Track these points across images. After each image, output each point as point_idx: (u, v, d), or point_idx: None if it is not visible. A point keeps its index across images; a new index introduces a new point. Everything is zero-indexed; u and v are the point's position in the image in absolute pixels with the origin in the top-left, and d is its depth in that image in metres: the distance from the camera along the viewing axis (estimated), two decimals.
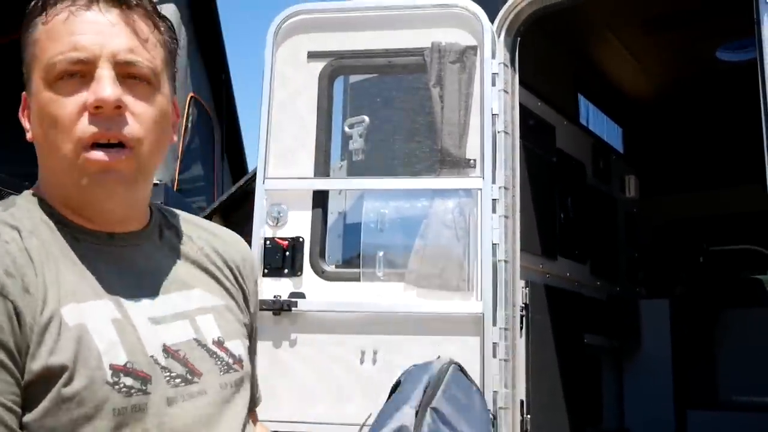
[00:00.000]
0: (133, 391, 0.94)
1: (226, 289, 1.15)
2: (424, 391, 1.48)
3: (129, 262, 1.04)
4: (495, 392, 2.85)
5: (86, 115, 0.96)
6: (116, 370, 0.94)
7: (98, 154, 0.96)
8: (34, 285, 0.93)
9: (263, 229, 3.08)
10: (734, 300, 5.01)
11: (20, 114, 1.05)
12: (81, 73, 0.98)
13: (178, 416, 0.98)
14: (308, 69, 3.20)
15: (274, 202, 3.11)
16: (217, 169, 6.98)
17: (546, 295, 3.52)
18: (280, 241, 3.06)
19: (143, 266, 1.06)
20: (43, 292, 0.93)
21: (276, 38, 3.20)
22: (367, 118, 3.26)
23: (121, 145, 0.98)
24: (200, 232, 1.17)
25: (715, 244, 5.22)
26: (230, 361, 1.08)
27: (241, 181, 6.57)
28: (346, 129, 3.28)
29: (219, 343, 1.07)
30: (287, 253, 3.05)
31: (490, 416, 1.60)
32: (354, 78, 3.41)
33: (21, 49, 1.03)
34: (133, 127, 0.98)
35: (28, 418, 0.92)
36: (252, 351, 1.22)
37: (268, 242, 3.06)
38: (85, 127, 0.96)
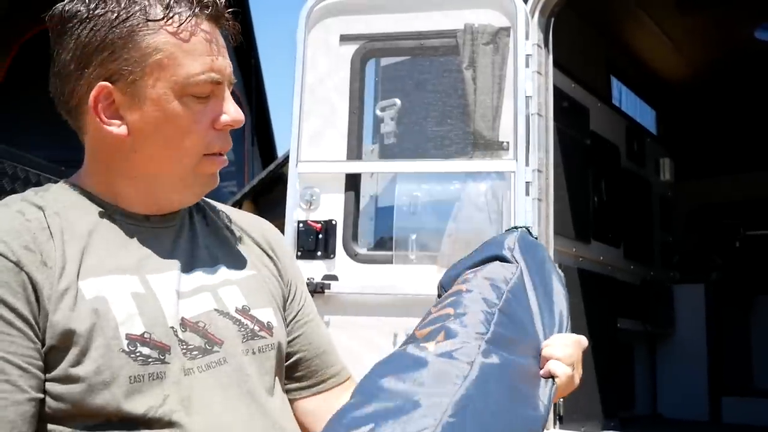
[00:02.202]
0: (150, 360, 0.98)
1: (254, 263, 1.18)
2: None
3: (160, 241, 1.09)
4: None
5: (211, 128, 1.07)
6: (132, 339, 0.98)
7: (222, 158, 1.11)
8: (52, 259, 0.98)
9: (296, 212, 3.10)
10: None
11: (92, 104, 1.04)
12: (212, 92, 1.07)
13: (196, 385, 1.01)
14: (340, 52, 3.20)
15: (307, 185, 3.12)
16: (247, 155, 7.03)
17: (579, 279, 3.50)
18: (313, 224, 3.08)
19: (173, 245, 1.10)
20: (61, 266, 0.98)
21: (308, 22, 3.20)
22: (398, 101, 3.24)
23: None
24: (225, 216, 1.23)
25: (751, 229, 5.12)
26: (256, 328, 1.10)
27: (271, 166, 6.61)
28: (378, 112, 3.27)
29: (243, 311, 1.10)
30: (320, 235, 3.06)
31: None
32: (385, 61, 3.39)
33: (115, 42, 1.03)
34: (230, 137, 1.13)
35: (50, 386, 0.96)
36: (315, 320, 1.26)
37: (301, 225, 3.07)
38: (216, 141, 1.08)
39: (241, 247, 1.19)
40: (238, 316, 1.09)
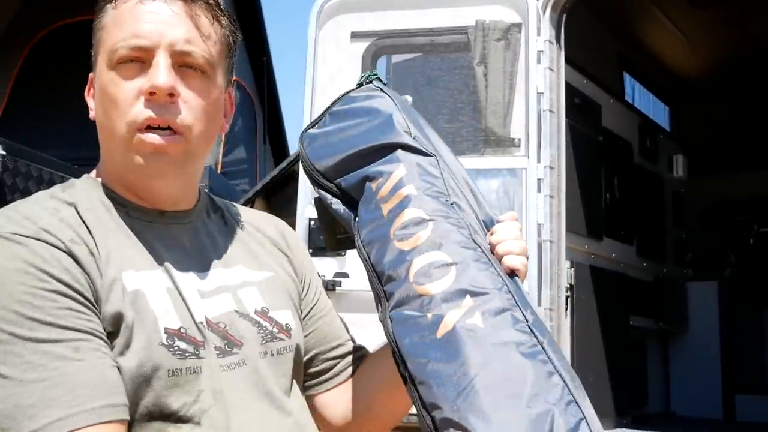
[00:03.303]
0: (187, 354, 0.98)
1: (270, 264, 1.17)
2: None
3: (176, 238, 1.08)
4: None
5: (142, 99, 1.01)
6: (171, 333, 0.98)
7: (152, 136, 1.01)
8: (95, 251, 0.98)
9: (308, 209, 3.10)
10: None
11: (86, 93, 1.10)
12: (140, 59, 1.02)
13: (224, 381, 1.01)
14: (351, 49, 3.20)
15: None
16: (259, 153, 7.04)
17: (591, 276, 3.48)
18: None
19: (190, 243, 1.10)
20: (106, 257, 0.99)
21: (318, 19, 3.20)
22: (410, 98, 3.24)
23: (171, 130, 1.03)
24: (242, 214, 1.22)
25: (765, 226, 5.09)
26: (275, 330, 1.10)
27: (283, 164, 6.61)
28: None
29: (263, 313, 1.10)
30: None
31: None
32: (397, 58, 3.39)
33: (92, 34, 1.08)
34: (183, 115, 1.02)
35: None
36: (329, 313, 1.25)
37: (312, 222, 3.08)
38: (140, 110, 1.01)
39: (258, 247, 1.18)
40: (258, 318, 1.09)
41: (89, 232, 1.00)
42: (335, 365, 1.24)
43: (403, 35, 3.19)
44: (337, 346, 1.25)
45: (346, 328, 1.29)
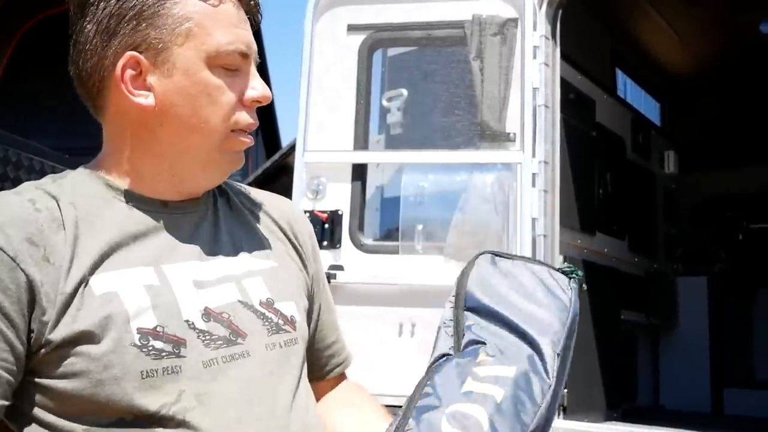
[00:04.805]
0: (164, 354, 0.95)
1: (278, 252, 1.15)
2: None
3: (179, 228, 1.06)
4: None
5: (239, 103, 1.05)
6: (144, 333, 0.95)
7: (248, 138, 1.08)
8: (59, 255, 0.95)
9: (302, 201, 3.10)
10: None
11: (119, 74, 1.02)
12: (240, 65, 1.06)
13: (216, 379, 0.99)
14: (347, 42, 3.20)
15: (314, 174, 3.12)
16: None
17: (584, 271, 3.50)
18: (319, 213, 3.08)
19: (193, 232, 1.07)
20: (69, 262, 0.95)
21: (315, 11, 3.20)
22: (405, 92, 3.25)
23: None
24: (249, 199, 1.19)
25: (754, 222, 5.13)
26: (280, 321, 1.08)
27: (276, 156, 6.62)
28: (384, 102, 3.28)
29: (268, 304, 1.08)
30: (326, 225, 3.07)
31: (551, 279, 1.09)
32: (392, 51, 3.39)
33: (143, 12, 1.02)
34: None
35: (53, 382, 0.94)
36: (327, 306, 1.23)
37: (307, 215, 3.08)
38: (244, 116, 1.06)
39: (265, 234, 1.15)
40: (263, 310, 1.07)
41: (62, 228, 0.97)
42: (321, 362, 1.22)
43: (400, 29, 3.20)
44: (331, 344, 1.24)
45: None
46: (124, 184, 1.05)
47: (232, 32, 1.03)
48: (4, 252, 0.92)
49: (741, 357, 4.79)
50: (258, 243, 1.13)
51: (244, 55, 1.05)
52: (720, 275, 4.84)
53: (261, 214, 1.18)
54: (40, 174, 3.90)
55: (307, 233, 1.23)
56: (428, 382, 1.03)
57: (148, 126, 1.03)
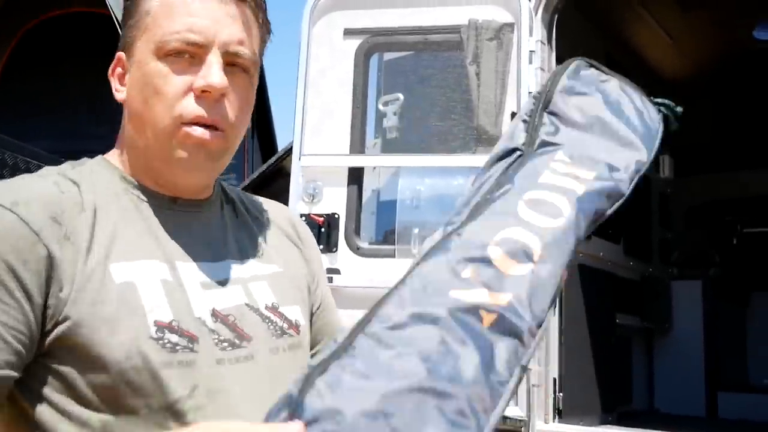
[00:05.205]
0: (178, 347, 0.96)
1: (282, 257, 1.16)
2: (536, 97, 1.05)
3: (188, 226, 1.07)
4: (528, 370, 2.86)
5: (191, 94, 1.02)
6: (161, 326, 0.96)
7: (199, 130, 1.02)
8: (80, 235, 0.96)
9: (299, 205, 3.11)
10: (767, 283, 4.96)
11: (110, 74, 1.09)
12: (191, 54, 1.02)
13: (227, 376, 1.00)
14: (344, 46, 3.21)
15: (310, 178, 3.13)
16: (247, 147, 7.03)
17: (579, 275, 3.52)
18: (315, 217, 3.09)
19: (201, 232, 1.08)
20: (88, 244, 0.96)
21: (312, 15, 3.21)
22: (401, 96, 3.26)
23: (214, 127, 1.03)
24: (252, 205, 1.21)
25: (749, 226, 5.16)
26: (285, 326, 1.09)
27: (272, 159, 6.63)
28: (381, 107, 3.29)
29: (273, 308, 1.09)
30: (322, 229, 3.08)
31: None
32: (388, 55, 3.41)
33: (126, 13, 1.07)
34: (228, 114, 1.04)
35: (68, 369, 0.94)
36: (330, 306, 1.24)
37: (303, 218, 3.09)
38: (189, 107, 1.02)
39: (269, 241, 1.17)
40: (268, 313, 1.08)
41: (83, 211, 0.99)
42: None
43: (396, 33, 3.21)
44: None
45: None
46: (135, 177, 1.07)
47: (182, 21, 1.02)
48: (29, 226, 0.93)
49: (735, 361, 4.81)
50: (263, 248, 1.15)
51: (196, 44, 1.02)
52: (715, 279, 4.86)
53: (265, 220, 1.20)
54: None
55: (308, 236, 1.24)
56: (504, 173, 0.97)
57: (127, 122, 1.08)
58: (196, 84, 1.01)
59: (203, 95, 1.02)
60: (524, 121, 1.06)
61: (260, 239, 1.16)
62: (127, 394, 0.94)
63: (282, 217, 1.23)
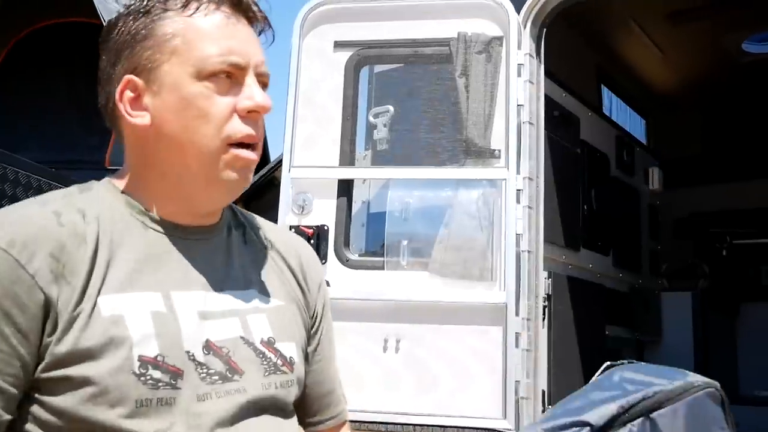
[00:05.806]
0: (160, 384, 0.96)
1: (285, 292, 1.15)
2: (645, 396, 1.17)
3: (192, 254, 1.06)
4: (517, 382, 2.87)
5: (235, 115, 1.03)
6: (144, 361, 0.95)
7: (246, 153, 1.05)
8: (77, 271, 0.96)
9: (288, 217, 3.11)
10: (757, 294, 4.98)
11: (118, 98, 1.06)
12: (230, 75, 1.04)
13: (208, 413, 0.99)
14: (334, 58, 3.22)
15: (300, 190, 3.13)
16: None
17: (568, 287, 3.52)
18: (304, 229, 3.09)
19: (205, 260, 1.07)
20: (85, 280, 0.96)
21: (302, 28, 3.22)
22: (391, 108, 3.27)
23: (253, 146, 1.06)
24: (266, 234, 1.20)
25: (738, 238, 5.18)
26: (278, 362, 1.08)
27: (264, 170, 6.61)
28: (371, 119, 3.30)
29: (268, 344, 1.08)
30: (312, 241, 3.08)
31: None
32: (379, 68, 3.42)
33: (136, 36, 1.05)
34: (262, 132, 1.07)
35: (48, 399, 0.94)
36: (328, 357, 1.23)
37: (292, 230, 3.09)
38: (238, 126, 1.03)
39: (275, 273, 1.16)
40: (263, 348, 1.07)
41: (84, 243, 0.98)
42: (318, 411, 1.22)
43: (386, 45, 3.22)
44: (326, 393, 1.23)
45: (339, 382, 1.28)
46: (141, 203, 1.06)
47: (219, 44, 1.03)
48: (25, 270, 0.93)
49: (725, 372, 4.81)
50: (267, 280, 1.14)
51: (237, 66, 1.04)
52: (704, 291, 4.88)
53: (274, 253, 1.18)
54: (38, 191, 3.86)
55: (315, 274, 1.22)
56: None
57: (150, 146, 1.05)
58: (244, 104, 1.04)
59: (249, 116, 1.04)
60: (622, 407, 1.15)
61: (265, 271, 1.15)
62: (100, 427, 0.94)
63: (292, 253, 1.20)
